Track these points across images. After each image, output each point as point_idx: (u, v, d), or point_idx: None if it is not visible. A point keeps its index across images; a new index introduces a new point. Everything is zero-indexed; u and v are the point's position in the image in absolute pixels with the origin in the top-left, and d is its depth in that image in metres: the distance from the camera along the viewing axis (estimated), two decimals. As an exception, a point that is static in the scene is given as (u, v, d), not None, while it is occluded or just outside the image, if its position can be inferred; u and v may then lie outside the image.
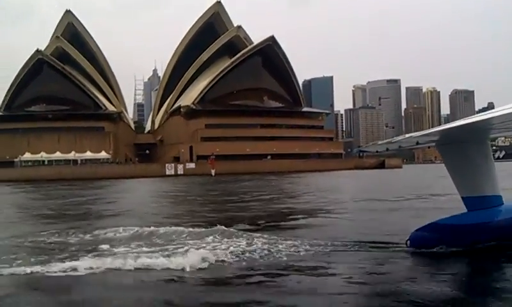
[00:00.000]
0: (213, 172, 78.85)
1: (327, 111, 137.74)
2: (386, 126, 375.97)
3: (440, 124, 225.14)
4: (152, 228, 12.72)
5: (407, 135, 11.38)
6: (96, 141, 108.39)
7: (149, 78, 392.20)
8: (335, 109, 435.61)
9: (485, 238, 10.34)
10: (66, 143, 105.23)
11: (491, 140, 12.15)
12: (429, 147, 13.23)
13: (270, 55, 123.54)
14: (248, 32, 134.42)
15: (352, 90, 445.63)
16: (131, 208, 23.13)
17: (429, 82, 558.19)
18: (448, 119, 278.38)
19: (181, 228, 12.71)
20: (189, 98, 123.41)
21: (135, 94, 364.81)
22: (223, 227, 12.36)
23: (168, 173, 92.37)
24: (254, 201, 27.32)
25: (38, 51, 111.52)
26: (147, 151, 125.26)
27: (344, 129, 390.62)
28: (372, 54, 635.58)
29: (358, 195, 30.18)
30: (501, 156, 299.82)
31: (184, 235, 11.78)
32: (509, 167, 49.44)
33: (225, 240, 11.09)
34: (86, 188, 46.17)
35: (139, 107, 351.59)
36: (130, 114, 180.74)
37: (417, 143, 11.31)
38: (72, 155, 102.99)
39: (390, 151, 15.51)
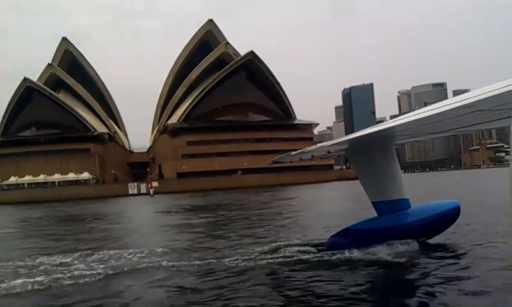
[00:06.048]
0: (152, 191, 78.73)
1: (316, 122, 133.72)
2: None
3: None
4: None
5: (318, 145, 11.74)
6: (81, 162, 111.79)
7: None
8: (380, 115, 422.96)
9: (395, 240, 10.75)
10: (53, 166, 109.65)
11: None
12: (338, 155, 14.12)
13: (252, 70, 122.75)
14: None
15: (398, 96, 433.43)
16: None
17: (478, 84, 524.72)
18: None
19: None
20: (176, 116, 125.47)
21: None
22: None
23: (130, 192, 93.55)
24: None
25: (25, 79, 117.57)
26: (148, 170, 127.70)
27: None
28: (415, 57, 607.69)
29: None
30: None
31: None
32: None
33: None
34: None
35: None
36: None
37: (328, 152, 12.14)
38: (55, 177, 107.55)
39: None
